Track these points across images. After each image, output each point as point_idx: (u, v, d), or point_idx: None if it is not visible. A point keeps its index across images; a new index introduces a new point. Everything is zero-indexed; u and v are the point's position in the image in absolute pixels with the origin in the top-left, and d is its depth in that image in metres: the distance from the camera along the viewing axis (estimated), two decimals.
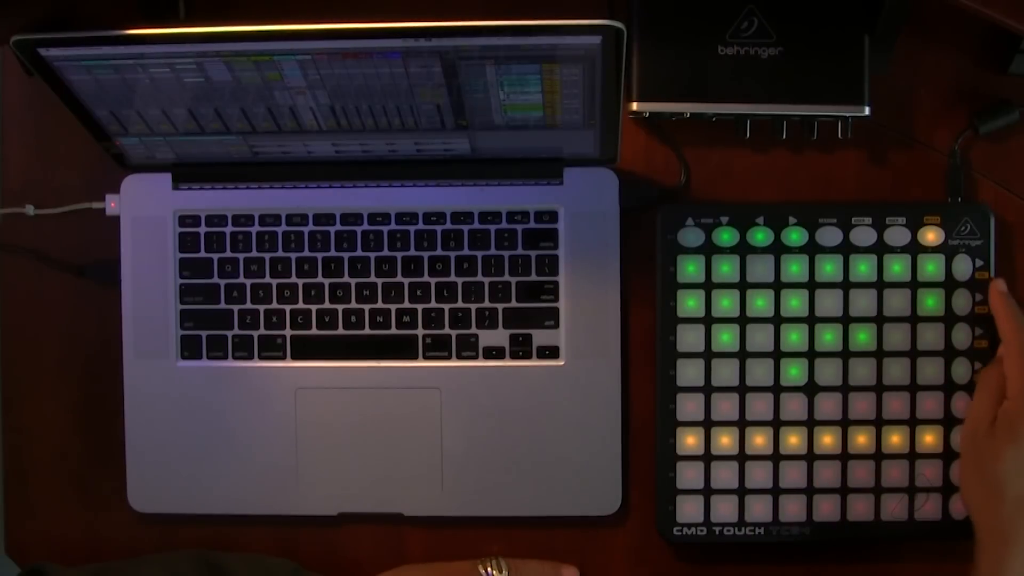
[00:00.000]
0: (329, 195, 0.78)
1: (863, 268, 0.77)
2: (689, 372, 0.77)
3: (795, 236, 0.77)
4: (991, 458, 0.69)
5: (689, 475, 0.77)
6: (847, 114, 0.75)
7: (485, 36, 0.63)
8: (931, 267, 0.77)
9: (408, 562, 0.79)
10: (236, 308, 0.79)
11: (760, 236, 0.77)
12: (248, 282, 0.79)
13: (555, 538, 0.79)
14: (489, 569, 0.76)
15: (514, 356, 0.78)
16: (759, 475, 0.77)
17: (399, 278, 0.78)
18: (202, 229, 0.79)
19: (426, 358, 0.78)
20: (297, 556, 0.79)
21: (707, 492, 0.77)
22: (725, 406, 0.77)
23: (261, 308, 0.79)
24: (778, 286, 0.77)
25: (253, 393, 0.78)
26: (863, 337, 0.77)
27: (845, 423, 0.77)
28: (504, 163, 0.77)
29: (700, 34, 0.75)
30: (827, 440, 0.77)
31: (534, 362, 0.78)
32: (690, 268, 0.77)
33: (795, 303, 0.77)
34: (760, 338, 0.77)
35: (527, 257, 0.78)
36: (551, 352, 0.78)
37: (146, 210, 0.79)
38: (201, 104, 0.70)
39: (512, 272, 0.78)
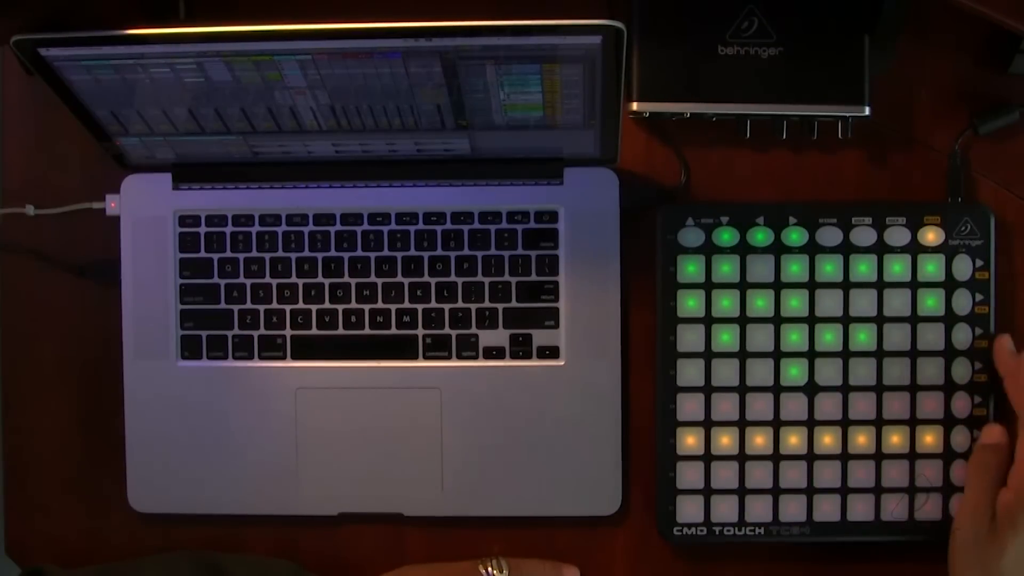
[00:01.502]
0: (329, 195, 0.78)
1: (863, 268, 0.77)
2: (689, 372, 0.77)
3: (795, 236, 0.77)
4: (993, 555, 0.68)
5: (689, 475, 0.77)
6: (847, 114, 0.75)
7: (485, 36, 0.63)
8: (931, 267, 0.77)
9: (408, 562, 0.79)
10: (236, 308, 0.79)
11: (760, 236, 0.77)
12: (248, 282, 0.79)
13: (555, 538, 0.79)
14: (490, 569, 0.76)
15: (514, 356, 0.78)
16: (759, 475, 0.77)
17: (399, 278, 0.78)
18: (202, 229, 0.79)
19: (426, 358, 0.78)
20: (297, 556, 0.79)
21: (707, 492, 0.77)
22: (725, 406, 0.77)
23: (261, 308, 0.79)
24: (778, 286, 0.77)
25: (253, 393, 0.78)
26: (863, 337, 0.77)
27: (845, 423, 0.77)
28: (504, 163, 0.77)
29: (700, 34, 0.75)
30: (827, 440, 0.77)
31: (534, 362, 0.78)
32: (690, 268, 0.77)
33: (795, 303, 0.77)
34: (760, 338, 0.77)
35: (527, 257, 0.78)
36: (551, 352, 0.78)
37: (146, 210, 0.79)
38: (201, 104, 0.70)
39: (512, 272, 0.78)
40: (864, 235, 0.77)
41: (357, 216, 0.78)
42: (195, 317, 0.79)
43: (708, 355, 0.77)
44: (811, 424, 0.77)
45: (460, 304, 0.78)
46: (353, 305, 0.78)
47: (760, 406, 0.77)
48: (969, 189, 0.79)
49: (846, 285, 0.77)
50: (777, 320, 0.77)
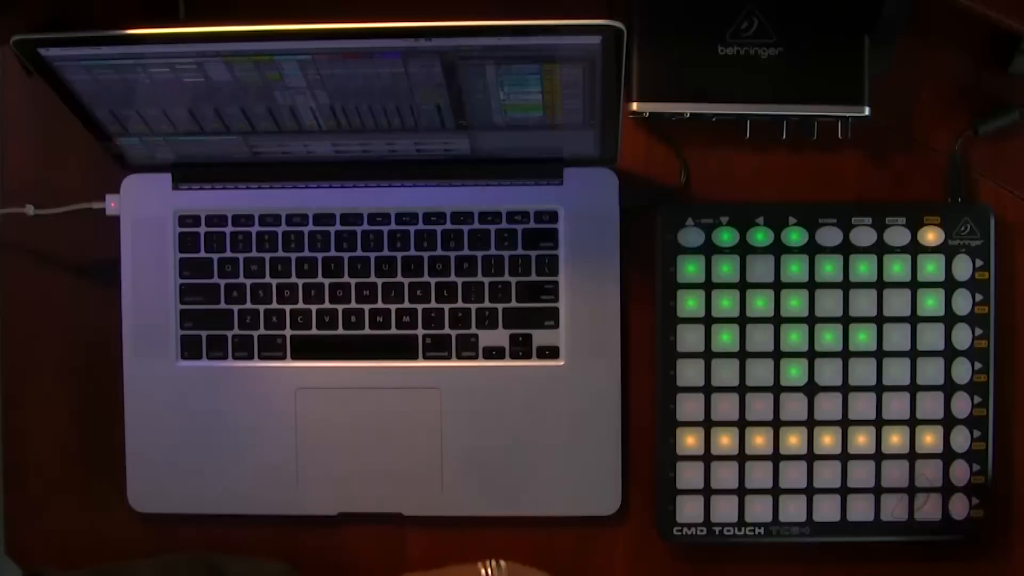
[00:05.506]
0: (329, 195, 0.78)
1: (863, 268, 0.77)
2: (689, 372, 0.77)
3: (795, 236, 0.77)
4: None
5: (689, 475, 0.77)
6: (847, 114, 0.75)
7: (485, 36, 0.63)
8: (931, 267, 0.77)
9: (408, 563, 0.79)
10: (236, 308, 0.79)
11: (760, 236, 0.77)
12: (248, 282, 0.79)
13: (555, 538, 0.79)
14: (489, 570, 0.75)
15: (514, 356, 0.78)
16: (759, 475, 0.77)
17: (399, 278, 0.78)
18: (202, 229, 0.79)
19: (426, 358, 0.78)
20: (297, 556, 0.79)
21: (707, 492, 0.77)
22: (725, 406, 0.77)
23: (261, 308, 0.79)
24: (778, 286, 0.77)
25: (253, 393, 0.78)
26: (863, 337, 0.77)
27: (845, 423, 0.77)
28: (504, 163, 0.77)
29: (700, 34, 0.75)
30: (827, 440, 0.77)
31: (534, 362, 0.78)
32: (690, 268, 0.77)
33: (795, 303, 0.77)
34: (760, 338, 0.77)
35: (527, 257, 0.78)
36: (551, 352, 0.78)
37: (146, 210, 0.79)
38: (201, 104, 0.70)
39: (512, 272, 0.78)
40: (864, 235, 0.77)
41: (357, 216, 0.78)
42: (195, 317, 0.79)
43: (708, 355, 0.77)
44: (811, 424, 0.77)
45: (460, 304, 0.78)
46: (353, 305, 0.78)
47: (760, 406, 0.77)
48: (969, 189, 0.79)
49: (846, 285, 0.77)
50: (777, 320, 0.77)
